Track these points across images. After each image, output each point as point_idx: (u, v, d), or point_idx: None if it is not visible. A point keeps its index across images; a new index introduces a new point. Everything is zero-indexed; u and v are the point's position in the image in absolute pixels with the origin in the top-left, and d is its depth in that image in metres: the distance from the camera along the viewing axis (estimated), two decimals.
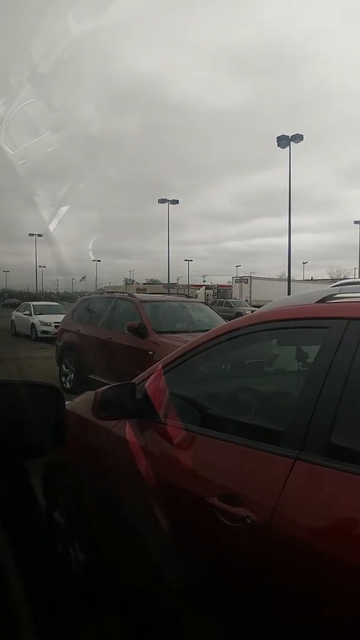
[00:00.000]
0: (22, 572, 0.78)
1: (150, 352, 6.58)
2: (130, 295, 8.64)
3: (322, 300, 2.01)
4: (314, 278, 71.54)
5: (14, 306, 23.30)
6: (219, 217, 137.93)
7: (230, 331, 2.19)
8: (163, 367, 2.33)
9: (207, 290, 53.23)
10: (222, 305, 33.28)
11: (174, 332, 7.17)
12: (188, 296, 13.66)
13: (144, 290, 41.12)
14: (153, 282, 72.00)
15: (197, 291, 51.51)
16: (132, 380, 2.40)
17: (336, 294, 2.09)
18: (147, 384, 2.30)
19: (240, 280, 48.10)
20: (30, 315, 18.55)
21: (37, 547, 0.89)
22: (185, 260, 74.39)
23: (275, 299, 8.91)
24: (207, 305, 10.68)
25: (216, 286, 57.78)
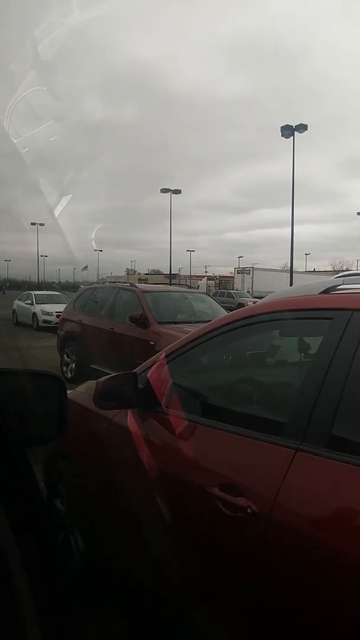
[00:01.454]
0: (25, 561, 0.78)
1: (152, 343, 6.58)
2: (132, 285, 8.62)
3: (326, 291, 2.00)
4: (316, 269, 71.42)
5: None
6: (221, 208, 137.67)
7: (233, 322, 2.19)
8: (165, 356, 2.32)
9: (209, 281, 53.20)
10: (223, 296, 33.25)
11: (175, 323, 7.16)
12: (190, 287, 13.62)
13: (145, 281, 41.04)
14: (155, 273, 71.91)
15: (199, 282, 51.48)
16: (134, 370, 2.40)
17: (340, 285, 2.07)
18: (149, 374, 2.30)
19: (243, 271, 48.04)
20: (32, 304, 18.56)
21: (39, 535, 0.89)
22: (187, 250, 74.39)
23: (277, 290, 8.88)
24: (209, 296, 10.67)
25: (218, 277, 57.71)
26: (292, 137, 30.90)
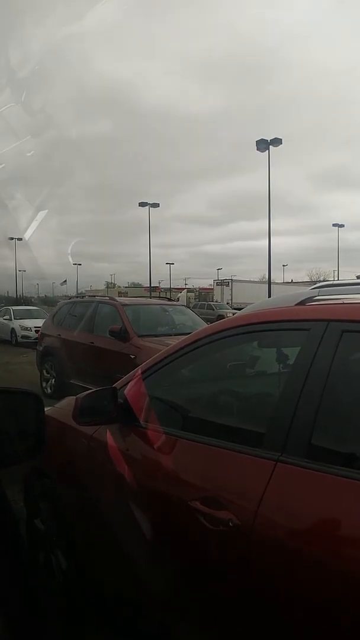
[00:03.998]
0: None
1: (132, 356, 6.56)
2: (111, 298, 8.60)
3: (302, 303, 2.03)
4: (294, 280, 72.21)
5: None
6: (198, 221, 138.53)
7: (211, 334, 2.20)
8: (143, 372, 2.32)
9: (188, 293, 53.37)
10: (203, 308, 33.41)
11: (156, 336, 7.15)
12: (170, 299, 13.64)
13: (125, 294, 41.00)
14: (135, 286, 71.84)
15: (179, 294, 51.61)
16: (114, 385, 2.39)
17: (315, 296, 2.10)
18: (126, 390, 2.29)
19: (222, 283, 48.32)
20: (10, 320, 18.35)
21: (12, 556, 0.87)
22: (167, 263, 74.48)
23: (256, 301, 8.96)
24: (189, 308, 10.70)
25: (198, 289, 57.94)
26: (267, 150, 31.40)
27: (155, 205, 49.31)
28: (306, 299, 2.07)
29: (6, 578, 0.78)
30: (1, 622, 0.73)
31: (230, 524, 1.63)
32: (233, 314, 4.13)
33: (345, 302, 1.92)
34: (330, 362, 1.63)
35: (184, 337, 2.36)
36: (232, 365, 2.65)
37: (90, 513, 2.39)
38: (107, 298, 8.81)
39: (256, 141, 31.93)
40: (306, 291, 2.26)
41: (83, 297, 10.70)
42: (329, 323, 1.71)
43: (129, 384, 2.32)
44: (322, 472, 1.51)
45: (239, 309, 16.60)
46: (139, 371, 2.34)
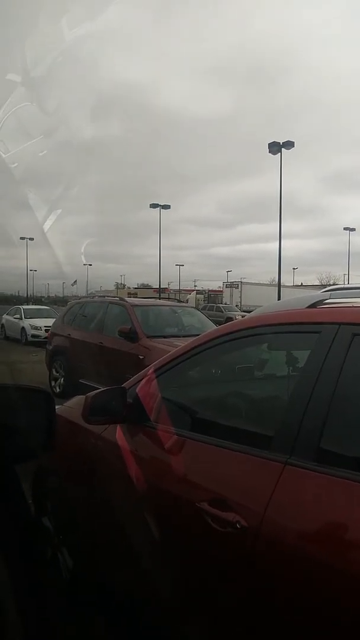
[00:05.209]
0: (12, 579, 0.77)
1: (141, 357, 6.57)
2: (121, 299, 8.62)
3: (313, 305, 2.02)
4: (303, 284, 71.92)
5: None
6: (208, 223, 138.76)
7: (222, 335, 2.20)
8: (154, 371, 2.32)
9: (197, 295, 53.38)
10: (212, 310, 33.42)
11: (165, 337, 7.16)
12: (179, 301, 13.66)
13: (135, 295, 41.10)
14: (144, 287, 71.98)
15: (188, 296, 51.62)
16: (123, 385, 2.39)
17: (327, 299, 2.10)
18: (138, 388, 2.30)
19: (231, 285, 48.31)
20: (21, 319, 18.46)
21: (27, 553, 0.88)
22: (177, 265, 74.62)
23: (265, 304, 8.95)
24: (198, 310, 10.70)
25: (207, 291, 57.91)
26: (278, 153, 31.31)
27: (166, 207, 49.39)
28: (317, 301, 2.07)
29: (20, 571, 0.78)
30: (13, 617, 0.74)
31: (238, 525, 1.62)
32: (242, 317, 4.12)
33: (357, 305, 1.92)
34: (341, 366, 1.63)
35: (192, 339, 2.36)
36: (243, 367, 2.65)
37: (97, 512, 2.39)
38: (117, 299, 8.84)
39: (268, 144, 31.82)
40: (318, 294, 2.25)
41: (93, 297, 10.74)
42: (340, 326, 1.70)
43: (140, 382, 2.33)
44: (330, 476, 1.50)
45: (248, 312, 16.59)
46: (151, 370, 2.34)
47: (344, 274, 61.90)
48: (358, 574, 1.34)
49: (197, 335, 2.50)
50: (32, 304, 25.69)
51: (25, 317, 18.39)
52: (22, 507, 0.99)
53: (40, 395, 1.31)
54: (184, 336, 6.86)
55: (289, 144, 31.38)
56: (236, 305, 41.27)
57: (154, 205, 48.93)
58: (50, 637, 0.90)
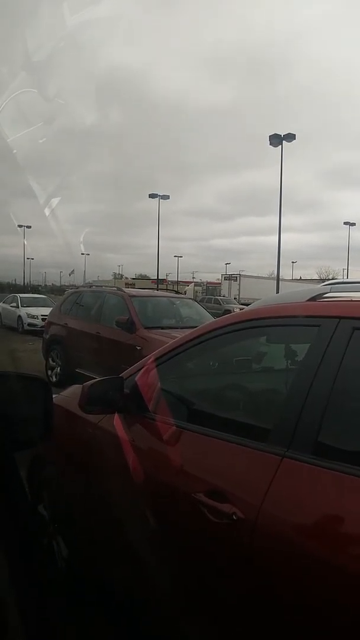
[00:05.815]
0: (11, 574, 0.76)
1: (138, 347, 6.57)
2: (119, 289, 8.60)
3: (313, 299, 2.02)
4: (302, 277, 71.91)
5: None
6: (207, 215, 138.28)
7: (220, 327, 2.19)
8: (154, 360, 2.31)
9: (196, 287, 53.31)
10: (210, 302, 33.39)
11: (162, 328, 7.15)
12: (177, 292, 13.64)
13: (132, 285, 41.01)
14: (142, 278, 71.84)
15: (186, 287, 51.56)
16: (120, 375, 2.38)
17: (327, 293, 2.09)
18: (137, 377, 2.29)
19: (230, 277, 48.20)
20: (18, 307, 18.41)
21: (26, 543, 0.87)
22: (175, 256, 74.52)
23: (264, 297, 8.94)
24: (196, 301, 10.69)
25: (205, 283, 57.84)
26: (279, 146, 31.15)
27: (166, 197, 49.18)
28: (317, 295, 2.06)
29: (17, 562, 0.78)
30: (13, 617, 0.74)
31: (234, 517, 1.62)
32: (240, 309, 4.11)
33: (357, 299, 1.91)
34: (341, 359, 1.62)
35: (190, 330, 2.35)
36: (242, 359, 2.65)
37: (92, 501, 2.39)
38: (115, 288, 8.81)
39: (269, 136, 31.64)
40: (317, 287, 2.25)
41: (90, 287, 10.71)
42: (340, 320, 1.70)
43: (140, 372, 2.32)
44: (328, 469, 1.50)
45: (247, 304, 16.58)
46: (150, 360, 2.33)
47: (343, 269, 61.95)
48: (355, 568, 1.34)
49: (195, 327, 2.49)
50: (30, 292, 25.60)
51: (22, 306, 18.34)
52: (21, 496, 0.98)
53: (37, 383, 1.30)
54: (181, 327, 6.85)
55: (289, 137, 31.21)
56: (234, 298, 41.21)
57: (153, 196, 48.73)
58: (50, 637, 0.90)
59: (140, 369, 2.35)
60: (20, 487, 1.01)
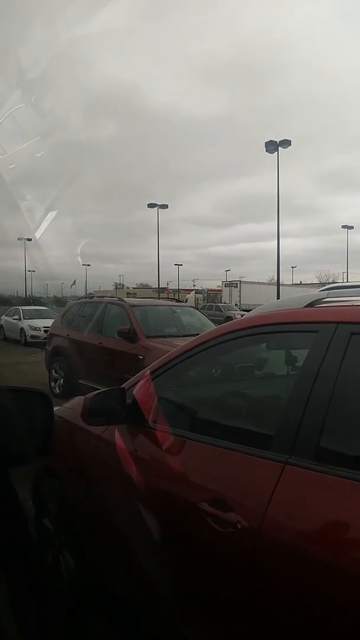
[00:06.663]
0: (7, 580, 0.76)
1: (141, 357, 6.57)
2: (120, 299, 8.61)
3: (311, 305, 2.02)
4: (302, 282, 71.86)
5: None
6: (205, 223, 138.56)
7: (221, 335, 2.20)
8: (151, 372, 2.32)
9: (197, 295, 53.36)
10: (212, 310, 33.41)
11: (164, 337, 7.15)
12: (178, 300, 13.66)
13: (134, 295, 41.08)
14: (143, 287, 71.93)
15: (187, 295, 51.62)
16: (122, 386, 2.39)
17: (324, 298, 2.10)
18: (135, 390, 2.30)
19: (230, 284, 48.29)
20: (20, 319, 18.44)
21: (22, 555, 0.87)
22: (175, 264, 74.56)
23: (264, 303, 8.95)
24: (197, 309, 10.69)
25: (206, 290, 57.89)
26: (275, 152, 31.28)
27: (164, 206, 49.35)
28: (315, 300, 2.07)
29: (19, 575, 0.78)
30: (12, 617, 0.74)
31: (238, 525, 1.62)
32: (241, 316, 4.12)
33: (354, 304, 1.92)
34: (339, 365, 1.63)
35: (192, 338, 2.36)
36: (242, 366, 2.65)
37: (97, 513, 2.39)
38: (116, 299, 8.83)
39: (265, 142, 31.84)
40: (315, 293, 2.26)
41: (92, 297, 10.71)
42: (338, 325, 1.70)
43: (138, 384, 2.33)
44: (330, 475, 1.50)
45: (248, 311, 16.59)
46: (148, 372, 2.34)
47: (343, 272, 61.91)
48: (358, 573, 1.34)
49: (197, 334, 2.49)
50: (32, 304, 25.63)
51: (24, 318, 18.36)
52: (16, 511, 0.98)
53: (37, 397, 1.31)
54: (183, 336, 6.85)
55: (285, 143, 31.39)
56: (235, 305, 41.24)
57: (152, 205, 48.92)
58: (50, 637, 0.90)
59: (141, 379, 2.35)
60: (15, 503, 1.02)
